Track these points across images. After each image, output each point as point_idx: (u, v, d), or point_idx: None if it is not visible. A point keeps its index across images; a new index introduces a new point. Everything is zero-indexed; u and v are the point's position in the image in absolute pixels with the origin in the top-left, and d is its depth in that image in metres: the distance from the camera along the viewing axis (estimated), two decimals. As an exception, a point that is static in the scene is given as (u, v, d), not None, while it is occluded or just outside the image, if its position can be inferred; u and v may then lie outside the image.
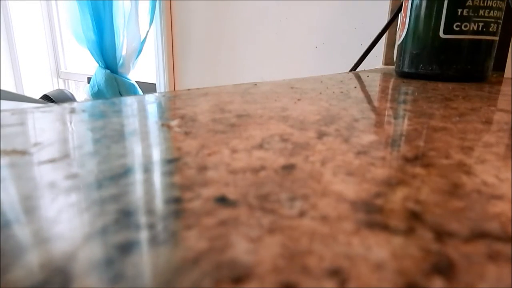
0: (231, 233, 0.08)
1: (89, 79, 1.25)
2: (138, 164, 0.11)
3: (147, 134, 0.15)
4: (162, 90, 1.06)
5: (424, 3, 0.38)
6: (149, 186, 0.10)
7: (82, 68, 1.53)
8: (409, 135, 0.16)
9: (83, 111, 0.19)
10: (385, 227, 0.08)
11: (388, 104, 0.24)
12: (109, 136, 0.14)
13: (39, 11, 1.57)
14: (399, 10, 0.47)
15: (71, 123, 0.17)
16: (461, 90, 0.31)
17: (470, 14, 0.36)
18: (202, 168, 0.11)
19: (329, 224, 0.08)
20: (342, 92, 0.28)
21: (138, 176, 0.10)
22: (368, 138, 0.15)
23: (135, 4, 1.04)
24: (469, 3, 0.35)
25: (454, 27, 0.36)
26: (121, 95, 1.09)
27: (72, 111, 0.19)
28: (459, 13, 0.36)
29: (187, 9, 0.98)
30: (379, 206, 0.09)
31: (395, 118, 0.20)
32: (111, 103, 0.21)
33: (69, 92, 1.33)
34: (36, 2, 1.55)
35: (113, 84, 1.09)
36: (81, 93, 1.53)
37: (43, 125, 0.16)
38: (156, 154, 0.12)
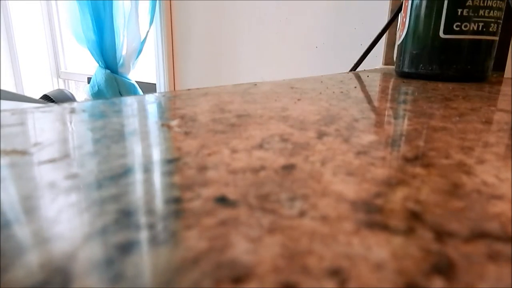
0: (231, 233, 0.08)
1: (89, 79, 1.25)
2: (138, 164, 0.11)
3: (147, 134, 0.15)
4: (162, 90, 1.06)
5: (424, 3, 0.38)
6: (149, 186, 0.10)
7: (82, 68, 1.53)
8: (409, 135, 0.16)
9: (83, 111, 0.19)
10: (385, 227, 0.08)
11: (388, 104, 0.24)
12: (109, 136, 0.14)
13: (39, 11, 1.57)
14: (399, 10, 0.47)
15: (71, 123, 0.17)
16: (461, 90, 0.31)
17: (470, 14, 0.36)
18: (202, 168, 0.11)
19: (329, 224, 0.08)
20: (342, 92, 0.28)
21: (138, 176, 0.10)
22: (368, 138, 0.15)
23: (135, 4, 1.04)
24: (469, 3, 0.35)
25: (454, 27, 0.36)
26: (121, 95, 1.09)
27: (72, 111, 0.19)
28: (459, 13, 0.36)
29: (187, 9, 0.98)
30: (379, 206, 0.09)
31: (395, 118, 0.20)
32: (111, 103, 0.21)
33: (69, 92, 1.33)
34: (36, 2, 1.55)
35: (113, 84, 1.09)
36: (81, 93, 1.53)
37: (43, 125, 0.16)
38: (156, 154, 0.12)
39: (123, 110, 0.20)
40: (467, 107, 0.22)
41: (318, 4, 0.73)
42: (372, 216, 0.08)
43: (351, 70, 0.53)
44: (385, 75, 0.45)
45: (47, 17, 1.58)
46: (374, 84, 0.36)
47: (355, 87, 0.31)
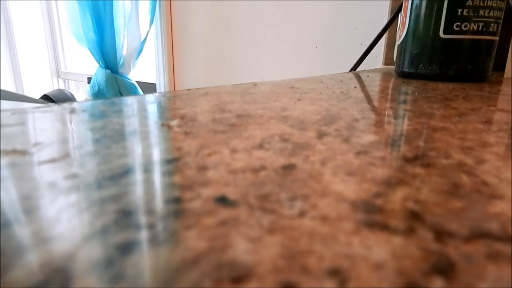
0: (231, 233, 0.08)
1: (89, 79, 1.25)
2: (138, 164, 0.11)
3: (147, 134, 0.15)
4: (162, 90, 1.06)
5: (424, 3, 0.38)
6: (149, 186, 0.10)
7: (82, 68, 1.53)
8: (409, 135, 0.16)
9: (83, 111, 0.19)
10: (385, 227, 0.08)
11: (388, 104, 0.24)
12: (109, 136, 0.14)
13: (39, 11, 1.57)
14: (399, 10, 0.47)
15: (71, 123, 0.17)
16: (461, 90, 0.31)
17: (470, 14, 0.36)
18: (202, 168, 0.11)
19: (329, 224, 0.08)
20: (342, 92, 0.28)
21: (138, 176, 0.10)
22: (368, 138, 0.15)
23: (135, 4, 1.04)
24: (469, 3, 0.35)
25: (454, 27, 0.36)
26: (121, 95, 1.09)
27: (72, 111, 0.19)
28: (459, 13, 0.36)
29: (187, 9, 0.98)
30: (379, 206, 0.09)
31: (395, 118, 0.20)
32: (111, 103, 0.21)
33: (69, 92, 1.33)
34: (36, 2, 1.55)
35: (114, 84, 1.09)
36: (81, 93, 1.53)
37: (43, 125, 0.16)
38: (156, 154, 0.12)
39: (123, 110, 0.20)
40: (467, 107, 0.22)
41: (318, 4, 0.73)
42: (372, 216, 0.08)
43: (351, 70, 0.53)
44: (385, 75, 0.45)
45: (47, 17, 1.58)
46: (374, 84, 0.36)
47: (355, 87, 0.31)
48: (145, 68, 1.18)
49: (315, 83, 0.33)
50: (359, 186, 0.10)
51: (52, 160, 0.11)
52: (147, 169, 0.11)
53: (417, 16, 0.39)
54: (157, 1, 0.98)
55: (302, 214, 0.08)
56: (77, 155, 0.12)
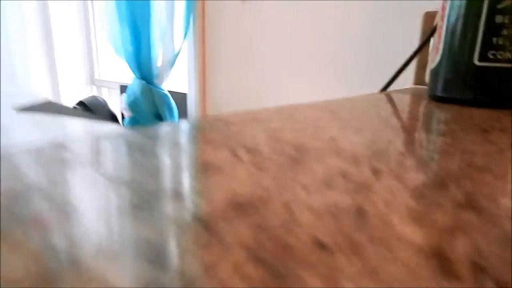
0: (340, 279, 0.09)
1: (121, 87, 1.30)
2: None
3: (221, 168, 0.17)
4: (193, 101, 1.09)
5: (458, 31, 0.39)
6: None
7: (114, 76, 1.60)
8: (456, 176, 0.17)
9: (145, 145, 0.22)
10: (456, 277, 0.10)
11: (428, 136, 0.26)
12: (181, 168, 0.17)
13: (77, 21, 1.65)
14: (432, 33, 0.48)
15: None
16: (497, 119, 0.32)
17: (506, 43, 0.37)
18: (288, 209, 0.13)
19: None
20: (381, 119, 0.30)
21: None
22: (419, 177, 0.17)
23: (171, 18, 1.09)
24: (504, 32, 0.36)
25: (489, 55, 0.37)
26: (155, 104, 1.13)
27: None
28: (494, 42, 0.37)
29: (219, 25, 1.01)
30: (447, 254, 0.11)
31: (439, 153, 0.21)
32: (151, 134, 0.23)
33: (102, 99, 1.39)
34: (75, 12, 1.63)
35: (148, 94, 1.14)
36: (114, 99, 1.59)
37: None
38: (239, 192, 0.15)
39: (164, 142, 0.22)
40: (505, 142, 0.24)
41: (349, 23, 0.75)
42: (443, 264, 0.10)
43: (382, 90, 0.54)
44: (417, 98, 0.46)
45: (84, 26, 1.66)
46: (408, 110, 0.38)
47: (391, 112, 0.33)
48: (176, 78, 1.22)
49: (352, 107, 0.34)
50: (426, 232, 0.12)
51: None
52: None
53: (452, 43, 0.40)
54: (191, 17, 1.02)
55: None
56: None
